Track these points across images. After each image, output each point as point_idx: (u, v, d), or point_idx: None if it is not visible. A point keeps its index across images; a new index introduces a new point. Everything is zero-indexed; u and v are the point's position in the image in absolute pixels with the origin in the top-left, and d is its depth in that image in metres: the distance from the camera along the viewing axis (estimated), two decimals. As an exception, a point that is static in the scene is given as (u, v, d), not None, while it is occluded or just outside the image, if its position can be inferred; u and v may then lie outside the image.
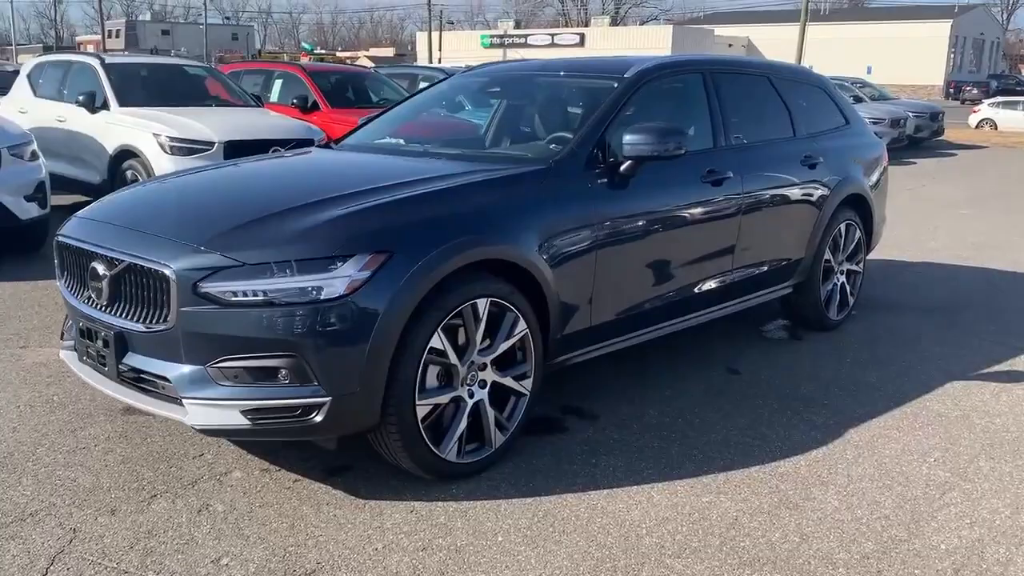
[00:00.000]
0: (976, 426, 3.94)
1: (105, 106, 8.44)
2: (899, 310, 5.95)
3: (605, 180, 3.75)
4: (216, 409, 2.84)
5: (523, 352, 3.41)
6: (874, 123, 17.99)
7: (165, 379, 2.93)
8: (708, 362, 4.72)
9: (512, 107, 4.76)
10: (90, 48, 76.64)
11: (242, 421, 2.85)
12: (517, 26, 75.43)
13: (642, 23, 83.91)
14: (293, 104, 10.34)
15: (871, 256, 6.03)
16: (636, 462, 3.46)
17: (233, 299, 2.79)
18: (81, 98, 8.44)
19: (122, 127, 8.13)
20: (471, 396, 3.22)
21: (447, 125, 5.01)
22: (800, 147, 4.96)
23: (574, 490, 3.21)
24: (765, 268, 4.74)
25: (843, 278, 5.43)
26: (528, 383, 3.42)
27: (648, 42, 58.31)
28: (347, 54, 77.13)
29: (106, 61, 8.93)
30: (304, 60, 49.20)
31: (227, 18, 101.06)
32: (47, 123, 9.06)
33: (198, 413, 2.86)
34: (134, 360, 3.01)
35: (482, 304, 3.16)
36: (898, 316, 5.80)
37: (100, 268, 3.08)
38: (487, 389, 3.28)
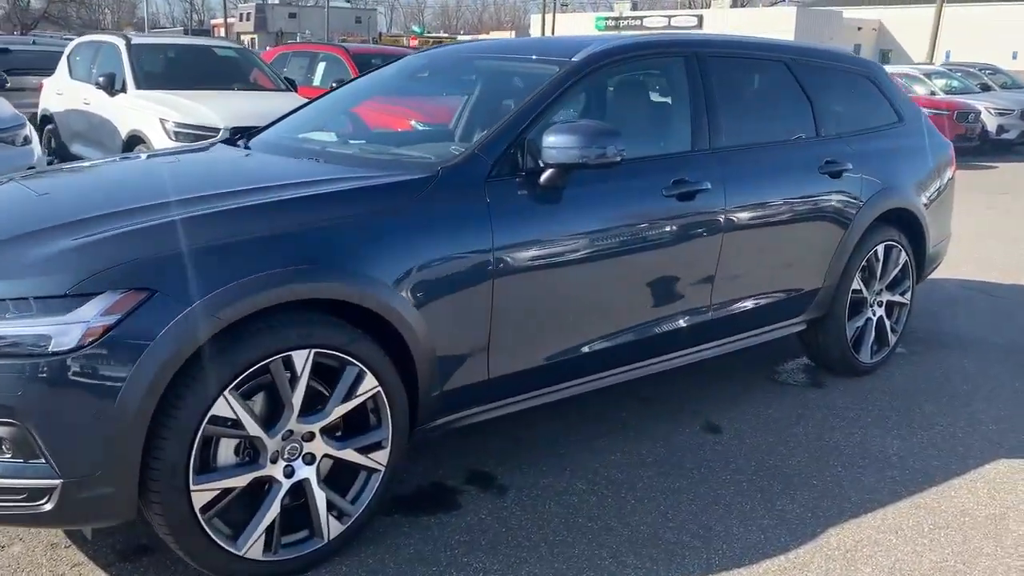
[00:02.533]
0: (1010, 535, 2.93)
1: (124, 88, 8.10)
2: (966, 349, 4.83)
3: (524, 193, 2.93)
4: (-69, 484, 2.21)
5: (377, 415, 2.65)
6: (1001, 114, 16.12)
7: None
8: (684, 414, 3.82)
9: (440, 97, 3.97)
10: (220, 32, 79.51)
11: (-39, 501, 2.21)
12: (634, 7, 73.61)
13: (770, 4, 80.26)
14: (332, 87, 9.79)
15: (941, 275, 4.93)
16: (519, 564, 2.65)
17: (-53, 343, 2.15)
18: (101, 80, 8.14)
19: (134, 111, 7.77)
20: (289, 475, 2.49)
21: (394, 113, 4.27)
22: (820, 150, 3.96)
23: (414, 606, 2.44)
24: (763, 301, 3.79)
25: (881, 311, 4.39)
26: (382, 455, 2.66)
27: (770, 25, 55.64)
28: (468, 37, 77.19)
29: (132, 42, 8.59)
30: (413, 44, 49.27)
31: (348, 1, 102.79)
32: (75, 105, 8.86)
33: (-88, 488, 2.23)
34: None
35: (300, 357, 2.41)
36: (962, 357, 4.70)
37: None
38: (315, 465, 2.54)
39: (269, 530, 2.46)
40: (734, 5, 74.17)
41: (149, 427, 2.20)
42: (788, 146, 3.91)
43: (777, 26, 56.01)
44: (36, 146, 6.70)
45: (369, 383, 2.56)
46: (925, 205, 4.48)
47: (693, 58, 3.61)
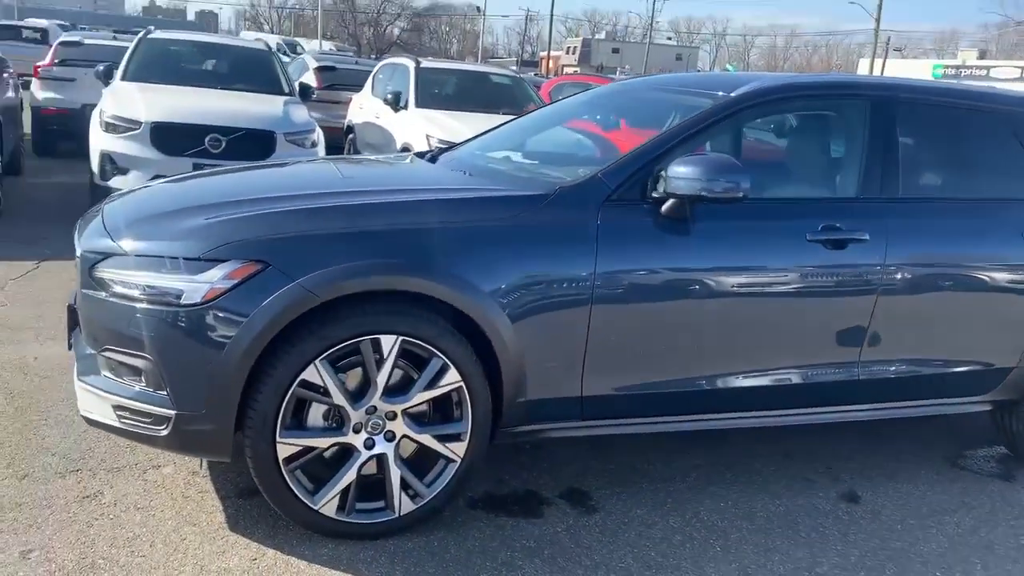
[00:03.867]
0: None
1: (406, 106, 9.02)
2: None
3: (647, 220, 2.98)
4: (96, 398, 2.75)
5: (459, 409, 2.83)
6: None
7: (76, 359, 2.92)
8: (826, 477, 3.57)
9: (607, 123, 4.05)
10: (548, 64, 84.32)
11: (112, 416, 2.72)
12: (981, 56, 67.04)
13: None
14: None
15: None
16: (569, 580, 2.70)
17: (115, 288, 2.67)
18: (389, 96, 9.15)
19: (410, 125, 8.61)
20: (369, 447, 2.75)
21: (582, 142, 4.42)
22: (1027, 214, 3.52)
23: (452, 591, 2.59)
24: (929, 371, 3.44)
25: (1101, 406, 3.77)
26: (459, 447, 2.84)
27: None
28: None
29: (421, 65, 9.54)
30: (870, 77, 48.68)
31: (669, 38, 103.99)
32: (370, 118, 10.00)
33: (85, 399, 2.79)
34: (76, 338, 3.05)
35: (387, 342, 2.67)
36: None
37: None
38: (394, 442, 2.78)
39: (345, 492, 2.74)
40: (1108, 58, 64.92)
41: (248, 380, 2.57)
42: (984, 205, 3.52)
43: None
44: (321, 149, 7.68)
45: (452, 376, 2.75)
46: None
47: (880, 103, 3.39)
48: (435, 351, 2.72)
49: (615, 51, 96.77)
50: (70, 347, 3.08)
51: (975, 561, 3.04)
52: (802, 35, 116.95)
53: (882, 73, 60.68)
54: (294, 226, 2.68)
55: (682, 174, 2.88)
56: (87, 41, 11.95)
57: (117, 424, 2.72)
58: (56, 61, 10.80)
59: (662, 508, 3.20)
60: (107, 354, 2.72)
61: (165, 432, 2.62)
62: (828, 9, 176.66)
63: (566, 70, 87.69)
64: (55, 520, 2.76)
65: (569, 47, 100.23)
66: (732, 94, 3.26)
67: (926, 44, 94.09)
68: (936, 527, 3.26)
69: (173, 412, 2.59)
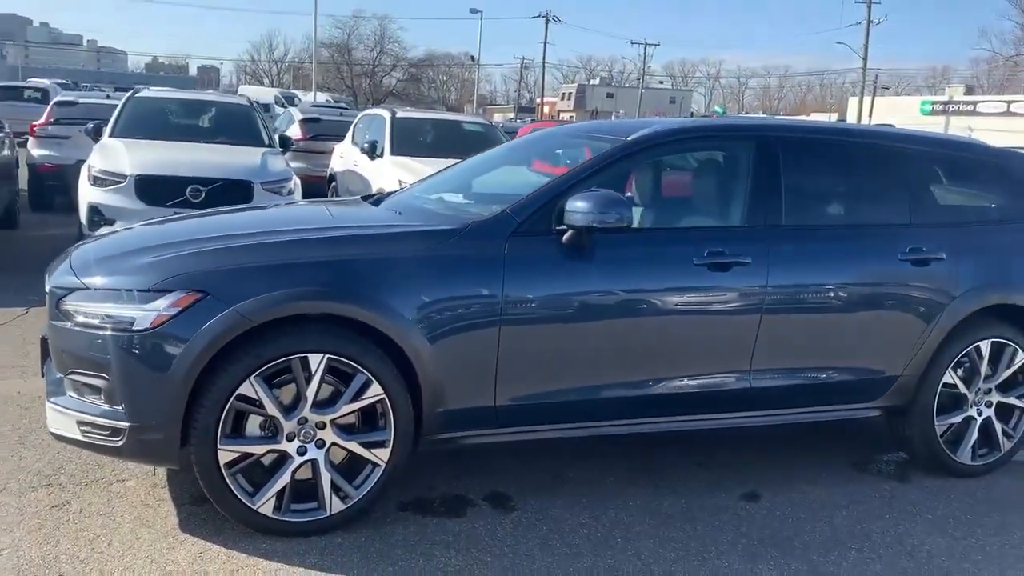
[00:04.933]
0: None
1: (382, 154, 9.50)
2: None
3: (548, 250, 3.39)
4: (63, 416, 3.13)
5: (383, 419, 3.22)
6: None
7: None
8: (732, 481, 3.93)
9: (523, 167, 4.48)
10: (545, 109, 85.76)
11: (76, 431, 3.11)
12: (968, 92, 68.01)
13: None
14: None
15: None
16: (477, 565, 3.05)
17: (78, 318, 3.07)
18: (366, 145, 9.65)
19: (384, 173, 9.07)
20: (301, 453, 3.13)
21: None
22: (907, 239, 3.91)
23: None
24: (820, 379, 3.82)
25: (989, 412, 4.13)
26: (383, 453, 3.21)
27: None
28: (788, 118, 75.99)
29: (396, 115, 10.06)
30: (756, 118, 49.49)
31: (661, 82, 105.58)
32: (349, 166, 10.49)
33: (53, 418, 3.18)
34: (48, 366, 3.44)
35: (315, 359, 3.06)
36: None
37: None
38: (324, 449, 3.16)
39: (280, 494, 3.11)
40: (1093, 91, 65.83)
41: (192, 394, 2.96)
42: (863, 230, 3.93)
43: None
44: (298, 196, 8.14)
45: (375, 390, 3.14)
46: (1063, 305, 4.16)
47: (765, 143, 3.82)
48: (359, 367, 3.12)
49: (610, 96, 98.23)
50: (43, 374, 3.47)
51: (851, 547, 3.39)
52: (795, 75, 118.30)
53: (871, 110, 61.63)
54: (231, 260, 3.11)
55: (578, 208, 3.30)
56: (81, 100, 12.50)
57: (81, 438, 3.10)
58: (51, 120, 11.34)
59: (575, 508, 3.56)
60: (72, 376, 3.11)
61: (121, 443, 3.01)
62: (821, 49, 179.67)
63: (562, 115, 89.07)
64: (26, 525, 3.13)
65: (564, 93, 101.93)
66: (627, 138, 3.69)
67: (918, 80, 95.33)
68: (824, 520, 3.61)
69: (127, 424, 2.98)
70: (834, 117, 77.30)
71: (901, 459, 4.33)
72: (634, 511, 3.57)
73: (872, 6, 57.44)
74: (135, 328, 2.96)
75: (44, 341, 3.42)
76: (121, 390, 2.98)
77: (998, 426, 4.15)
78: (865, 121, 56.98)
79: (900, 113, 63.01)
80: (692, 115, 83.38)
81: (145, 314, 2.96)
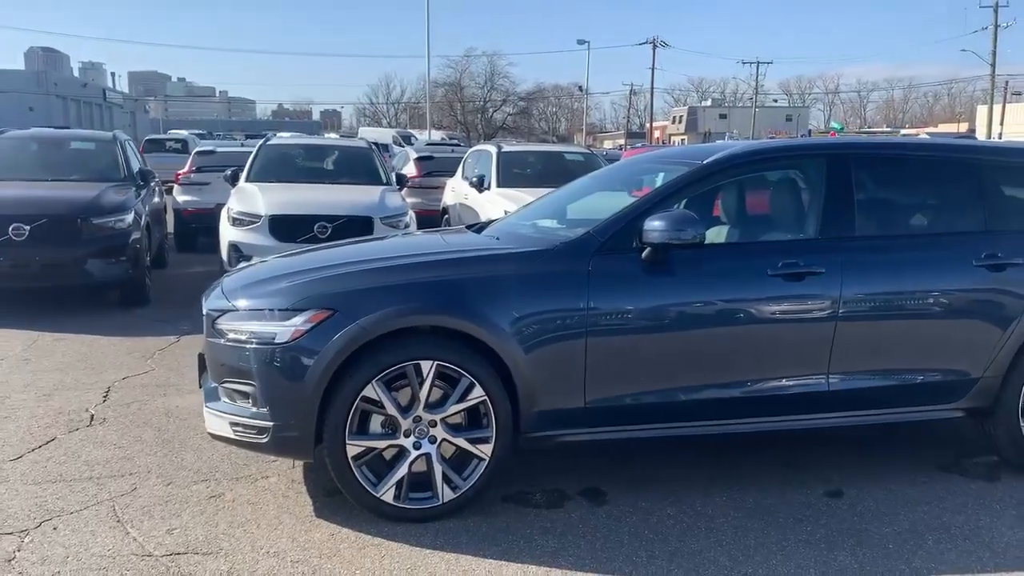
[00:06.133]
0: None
1: (489, 186, 10.08)
2: None
3: (629, 267, 3.76)
4: (217, 419, 3.72)
5: (487, 418, 3.65)
6: None
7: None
8: (817, 480, 4.15)
9: (615, 192, 4.85)
10: (656, 133, 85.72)
11: (229, 431, 3.68)
12: (1111, 95, 63.75)
13: None
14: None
15: None
16: (571, 548, 3.42)
17: (229, 335, 3.66)
18: (474, 179, 10.24)
19: (492, 204, 9.63)
20: (417, 448, 3.59)
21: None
22: (982, 245, 4.08)
23: (476, 556, 3.36)
24: (897, 381, 4.01)
25: (1077, 413, 4.21)
26: (487, 448, 3.64)
27: None
28: (911, 130, 73.32)
29: (502, 150, 10.64)
30: (831, 138, 48.45)
31: (775, 100, 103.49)
32: (460, 200, 11.12)
33: (210, 421, 3.77)
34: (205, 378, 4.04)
35: (426, 366, 3.53)
36: None
37: None
38: (436, 444, 3.61)
39: (400, 484, 3.58)
40: None
41: (324, 397, 3.48)
42: (937, 239, 4.12)
43: None
44: (413, 229, 8.77)
45: (478, 392, 3.58)
46: None
47: (836, 159, 4.09)
48: (463, 372, 3.57)
49: (722, 116, 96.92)
50: (200, 385, 4.08)
51: (928, 538, 3.57)
52: (920, 86, 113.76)
53: (1002, 118, 58.58)
54: (354, 282, 3.64)
55: (654, 227, 3.67)
56: (219, 149, 13.69)
57: (233, 436, 3.67)
58: (193, 169, 12.50)
59: (663, 502, 3.88)
60: (225, 384, 3.69)
61: (266, 440, 3.55)
62: (947, 57, 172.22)
63: (673, 139, 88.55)
64: (190, 511, 3.71)
65: (675, 116, 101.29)
66: (703, 162, 4.04)
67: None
68: (904, 515, 3.80)
69: (271, 423, 3.52)
70: (963, 128, 73.88)
71: (991, 461, 4.43)
72: (719, 505, 3.86)
73: (1000, 10, 54.86)
74: (276, 341, 3.50)
75: (201, 357, 4.03)
76: (265, 394, 3.52)
77: (1087, 427, 4.21)
78: (996, 130, 54.30)
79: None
80: (810, 132, 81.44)
81: (285, 329, 3.51)
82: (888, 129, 77.99)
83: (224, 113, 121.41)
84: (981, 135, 54.72)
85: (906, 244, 4.10)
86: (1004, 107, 60.96)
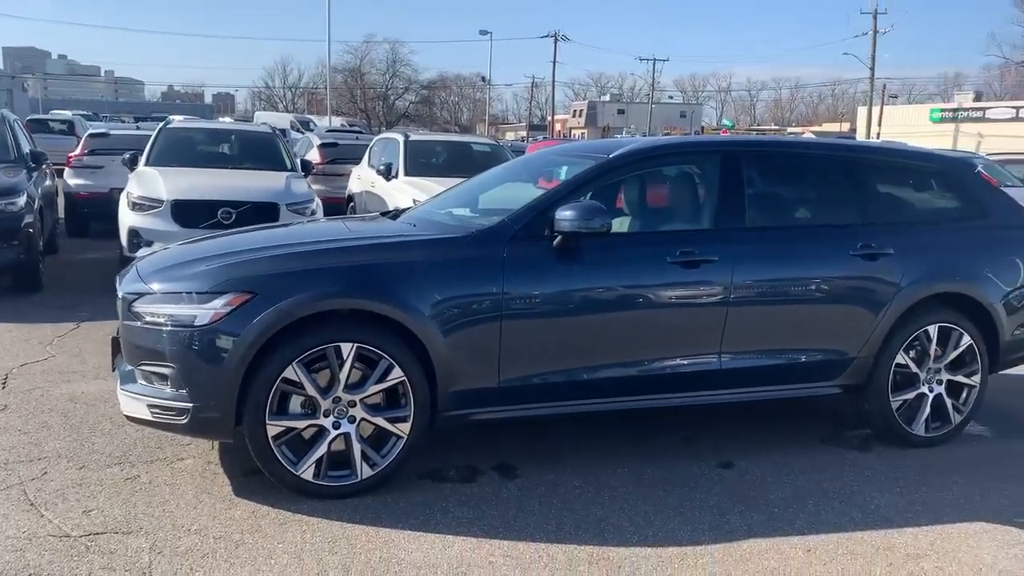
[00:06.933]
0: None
1: (397, 175, 10.14)
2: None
3: (545, 253, 3.97)
4: (134, 401, 3.74)
5: (405, 398, 3.79)
6: None
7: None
8: (710, 452, 4.48)
9: (524, 183, 5.08)
10: (557, 126, 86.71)
11: (146, 413, 3.71)
12: (977, 99, 68.22)
13: None
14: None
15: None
16: (483, 518, 3.62)
17: (147, 318, 3.68)
18: (381, 168, 10.29)
19: (400, 193, 9.69)
20: (336, 427, 3.71)
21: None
22: (858, 237, 4.47)
23: (391, 529, 3.52)
24: (783, 360, 4.37)
25: (940, 388, 4.67)
26: (405, 427, 3.79)
27: None
28: (797, 129, 76.48)
29: (409, 138, 10.71)
30: (723, 135, 50.28)
31: (671, 97, 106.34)
32: (366, 188, 11.14)
33: (126, 403, 3.78)
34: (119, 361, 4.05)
35: (346, 348, 3.65)
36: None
37: None
38: (355, 424, 3.74)
39: (319, 462, 3.69)
40: (1102, 94, 65.80)
41: (244, 378, 3.55)
42: (819, 231, 4.49)
43: None
44: (320, 217, 8.77)
45: (396, 373, 3.73)
46: (1005, 293, 4.70)
47: (720, 155, 4.42)
48: (382, 354, 3.70)
49: (621, 112, 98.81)
50: (114, 368, 4.08)
51: (808, 502, 3.93)
52: (806, 86, 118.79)
53: (880, 119, 61.86)
54: (275, 266, 3.72)
55: (565, 216, 3.88)
56: (113, 132, 13.24)
57: (151, 418, 3.71)
58: (86, 152, 12.06)
59: (570, 474, 4.12)
60: (142, 367, 3.72)
61: (185, 421, 3.60)
62: (831, 60, 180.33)
63: (574, 132, 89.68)
64: (106, 493, 3.73)
65: (576, 110, 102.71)
66: (609, 156, 4.28)
67: (931, 88, 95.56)
68: (788, 482, 4.15)
69: (190, 405, 3.58)
70: (845, 127, 77.71)
71: (864, 433, 4.86)
72: (622, 476, 4.13)
73: (878, 17, 57.87)
74: (196, 324, 3.56)
75: (115, 341, 4.04)
76: (184, 376, 3.57)
77: (948, 401, 4.68)
78: (875, 131, 57.40)
79: (910, 121, 63.26)
80: (703, 129, 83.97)
81: (204, 312, 3.56)
82: (775, 127, 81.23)
83: (110, 94, 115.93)
84: (861, 135, 57.72)
85: (791, 235, 4.45)
86: (882, 109, 64.42)
